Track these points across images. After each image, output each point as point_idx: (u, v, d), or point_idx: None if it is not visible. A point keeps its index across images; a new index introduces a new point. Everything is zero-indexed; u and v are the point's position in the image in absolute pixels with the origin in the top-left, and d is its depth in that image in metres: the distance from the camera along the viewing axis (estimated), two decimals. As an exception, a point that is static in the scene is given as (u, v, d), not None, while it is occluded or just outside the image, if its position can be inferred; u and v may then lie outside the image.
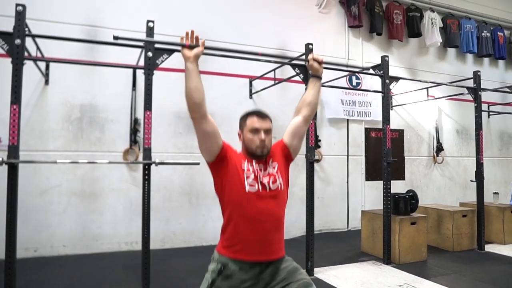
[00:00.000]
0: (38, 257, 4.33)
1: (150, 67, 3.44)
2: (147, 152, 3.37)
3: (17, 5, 3.10)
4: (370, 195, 6.38)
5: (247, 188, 1.74)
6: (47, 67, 4.51)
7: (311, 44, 4.08)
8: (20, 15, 3.10)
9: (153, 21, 3.44)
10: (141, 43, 3.50)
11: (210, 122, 1.74)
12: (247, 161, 1.82)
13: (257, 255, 1.72)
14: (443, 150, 7.03)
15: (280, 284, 1.74)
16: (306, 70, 4.02)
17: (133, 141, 4.80)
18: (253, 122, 1.82)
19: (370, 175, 6.37)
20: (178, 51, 3.56)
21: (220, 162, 1.79)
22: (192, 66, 1.71)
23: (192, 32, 1.74)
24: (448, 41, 7.23)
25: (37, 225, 4.38)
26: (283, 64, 4.57)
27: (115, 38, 1.74)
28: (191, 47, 1.71)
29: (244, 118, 1.89)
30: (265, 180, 1.78)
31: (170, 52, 3.50)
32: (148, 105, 3.42)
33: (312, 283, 1.77)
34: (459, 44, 7.28)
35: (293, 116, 2.03)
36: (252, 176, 1.77)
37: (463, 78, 5.67)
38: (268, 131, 1.83)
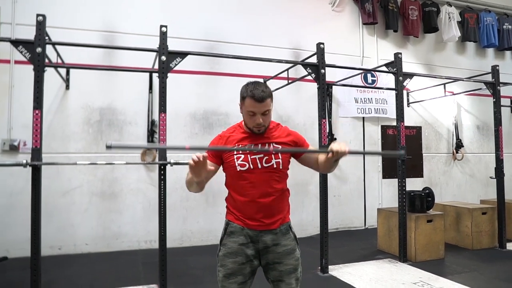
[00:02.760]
0: (62, 254, 4.52)
1: (164, 70, 3.54)
2: (163, 153, 3.48)
3: (37, 15, 3.26)
4: (388, 193, 6.32)
5: (238, 168, 1.80)
6: (68, 72, 4.69)
7: (323, 44, 4.10)
8: (41, 25, 3.26)
9: (166, 26, 3.55)
10: (155, 47, 3.59)
11: (206, 182, 1.79)
12: (240, 144, 1.84)
13: (252, 224, 1.80)
14: (463, 146, 6.89)
15: (274, 258, 1.81)
16: (318, 70, 4.05)
17: (151, 142, 4.93)
18: (250, 105, 1.78)
19: (387, 173, 6.32)
20: (192, 54, 3.68)
21: (220, 159, 1.88)
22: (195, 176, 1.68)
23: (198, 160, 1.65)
24: (465, 35, 7.07)
25: (61, 224, 4.57)
26: (295, 64, 4.60)
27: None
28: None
29: (242, 96, 1.83)
30: (258, 158, 1.81)
31: (183, 55, 3.60)
32: (162, 108, 3.53)
33: (297, 268, 1.85)
34: (478, 38, 7.11)
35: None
36: (242, 157, 1.80)
37: (481, 73, 5.56)
38: (265, 113, 1.80)
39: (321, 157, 1.91)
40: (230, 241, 1.82)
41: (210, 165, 1.78)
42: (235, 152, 1.82)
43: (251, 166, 1.80)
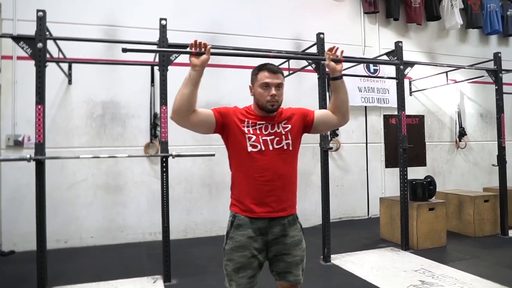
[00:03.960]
0: (68, 247, 4.59)
1: (164, 63, 3.56)
2: (164, 146, 3.52)
3: (38, 10, 3.28)
4: (391, 182, 6.33)
5: (249, 148, 1.77)
6: (70, 67, 4.72)
7: (322, 34, 4.09)
8: (41, 20, 3.28)
9: (165, 19, 3.56)
10: (155, 40, 3.61)
11: (195, 117, 1.73)
12: (250, 122, 1.81)
13: (261, 212, 1.76)
14: (466, 134, 6.86)
15: (283, 250, 1.81)
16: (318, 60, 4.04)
17: (153, 135, 4.97)
18: (264, 76, 1.80)
19: (390, 162, 6.32)
20: (189, 52, 3.67)
21: (221, 129, 1.82)
22: (195, 74, 1.70)
23: (200, 42, 1.73)
24: (469, 22, 7.00)
25: (66, 217, 4.64)
26: (294, 57, 4.57)
27: (124, 50, 1.77)
28: (198, 54, 1.71)
29: (255, 73, 1.86)
30: (269, 139, 1.79)
31: (183, 48, 3.60)
32: (163, 100, 3.55)
33: (303, 259, 1.87)
34: (482, 24, 7.05)
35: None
36: (254, 137, 1.78)
37: (484, 60, 5.52)
38: (279, 86, 1.81)
39: (332, 98, 1.96)
40: (237, 234, 1.78)
41: (209, 116, 1.78)
42: (246, 132, 1.79)
43: (262, 147, 1.77)
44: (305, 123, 1.93)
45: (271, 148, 1.79)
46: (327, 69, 1.99)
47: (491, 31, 7.08)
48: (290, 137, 1.84)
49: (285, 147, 1.82)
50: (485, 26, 7.08)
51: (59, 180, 4.59)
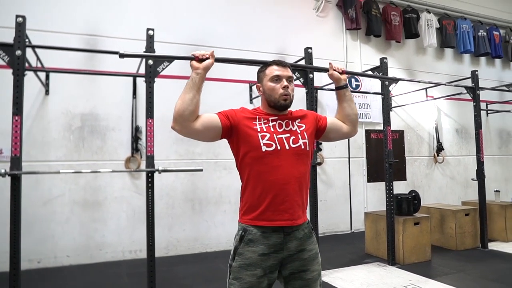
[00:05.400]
0: (41, 268, 4.31)
1: (151, 74, 3.44)
2: (150, 160, 3.37)
3: (17, 16, 3.11)
4: (373, 197, 6.38)
5: (263, 148, 1.61)
6: (47, 77, 4.51)
7: (310, 48, 4.10)
8: (20, 26, 3.11)
9: (153, 29, 3.46)
10: (141, 52, 3.49)
11: (198, 123, 1.61)
12: (262, 119, 1.69)
13: (278, 219, 1.60)
14: (443, 149, 7.05)
15: (300, 266, 1.65)
16: (306, 74, 4.04)
17: (135, 149, 4.80)
18: (274, 70, 1.71)
19: (372, 177, 6.38)
20: (180, 58, 3.59)
21: (229, 133, 1.67)
22: (198, 78, 1.62)
23: (204, 54, 1.66)
24: (444, 41, 7.27)
25: (40, 235, 4.36)
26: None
27: (121, 55, 1.70)
28: (201, 60, 1.65)
29: (262, 69, 1.77)
30: (284, 137, 1.65)
31: (170, 59, 3.51)
32: (150, 113, 3.43)
33: (320, 274, 1.72)
34: (455, 44, 7.33)
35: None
36: (268, 135, 1.63)
37: (461, 78, 5.70)
38: (290, 79, 1.72)
39: (338, 107, 1.95)
40: (248, 251, 1.60)
41: (215, 120, 1.64)
42: (258, 130, 1.64)
43: (278, 146, 1.62)
44: (318, 127, 1.83)
45: (287, 147, 1.64)
46: (330, 79, 1.97)
47: (463, 50, 7.37)
48: (306, 137, 1.71)
49: (302, 147, 1.68)
50: (458, 45, 7.36)
51: (33, 196, 4.31)
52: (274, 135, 1.65)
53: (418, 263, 4.32)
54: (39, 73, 4.28)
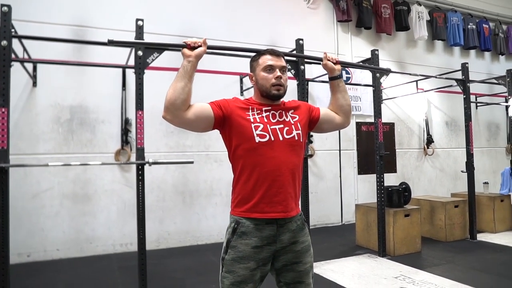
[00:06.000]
0: (31, 262, 4.27)
1: (141, 66, 3.39)
2: (140, 152, 3.33)
3: (2, 5, 3.03)
4: (363, 189, 6.43)
5: (257, 139, 1.59)
6: (35, 68, 4.42)
7: (302, 40, 4.08)
8: (6, 16, 3.03)
9: (142, 20, 3.40)
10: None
11: (190, 113, 1.56)
12: (255, 109, 1.66)
13: (271, 211, 1.59)
14: (433, 142, 7.11)
15: (293, 258, 1.64)
16: (297, 65, 4.02)
17: (125, 141, 4.75)
18: (267, 59, 1.68)
19: (362, 169, 6.41)
20: (169, 49, 3.55)
21: (222, 123, 1.64)
22: (190, 66, 1.57)
23: (196, 42, 1.63)
24: (434, 34, 7.29)
25: (30, 229, 4.31)
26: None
27: (110, 42, 1.67)
28: (192, 48, 1.61)
29: (255, 58, 1.72)
30: (278, 128, 1.63)
31: (160, 50, 3.46)
32: (139, 105, 3.38)
33: (313, 266, 1.73)
34: (446, 37, 7.36)
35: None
36: (261, 126, 1.61)
37: (451, 70, 5.73)
38: (283, 69, 1.69)
39: (331, 97, 1.92)
40: (241, 244, 1.57)
41: (207, 110, 1.61)
42: (252, 120, 1.62)
43: (272, 137, 1.60)
44: (311, 118, 1.81)
45: (281, 138, 1.62)
46: (324, 70, 1.93)
47: (453, 43, 7.41)
48: (300, 127, 1.69)
49: (296, 138, 1.65)
50: (448, 38, 7.40)
51: (21, 189, 4.26)
52: (268, 125, 1.63)
53: (408, 255, 4.37)
54: (26, 65, 4.20)
